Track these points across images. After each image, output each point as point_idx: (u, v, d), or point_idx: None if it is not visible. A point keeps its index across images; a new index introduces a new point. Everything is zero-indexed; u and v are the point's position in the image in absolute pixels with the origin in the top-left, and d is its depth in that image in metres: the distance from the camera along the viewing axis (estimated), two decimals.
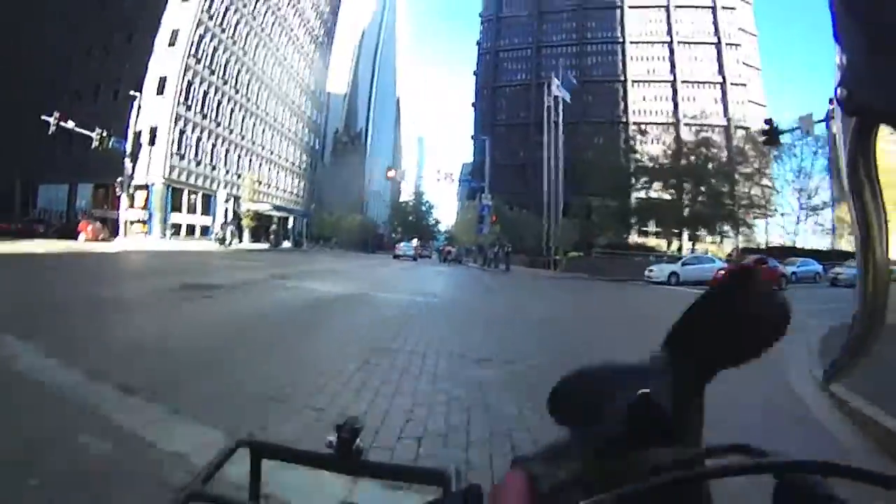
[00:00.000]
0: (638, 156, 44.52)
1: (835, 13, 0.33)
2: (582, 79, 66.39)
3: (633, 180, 43.04)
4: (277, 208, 47.18)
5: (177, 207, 37.63)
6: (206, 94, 40.02)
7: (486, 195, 36.30)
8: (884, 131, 0.36)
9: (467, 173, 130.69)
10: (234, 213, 41.00)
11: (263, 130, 48.98)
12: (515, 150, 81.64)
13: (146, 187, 35.71)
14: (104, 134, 26.13)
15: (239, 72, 44.07)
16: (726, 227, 40.57)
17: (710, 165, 38.70)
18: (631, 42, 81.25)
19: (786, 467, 0.37)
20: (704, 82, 75.46)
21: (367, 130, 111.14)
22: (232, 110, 43.34)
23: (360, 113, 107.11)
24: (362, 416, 0.97)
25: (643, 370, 0.50)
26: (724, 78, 74.04)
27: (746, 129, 42.34)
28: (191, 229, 37.99)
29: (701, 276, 20.98)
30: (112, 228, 30.94)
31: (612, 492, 0.38)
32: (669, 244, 45.78)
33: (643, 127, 51.21)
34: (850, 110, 0.35)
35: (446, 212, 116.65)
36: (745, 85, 74.18)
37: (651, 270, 24.88)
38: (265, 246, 42.41)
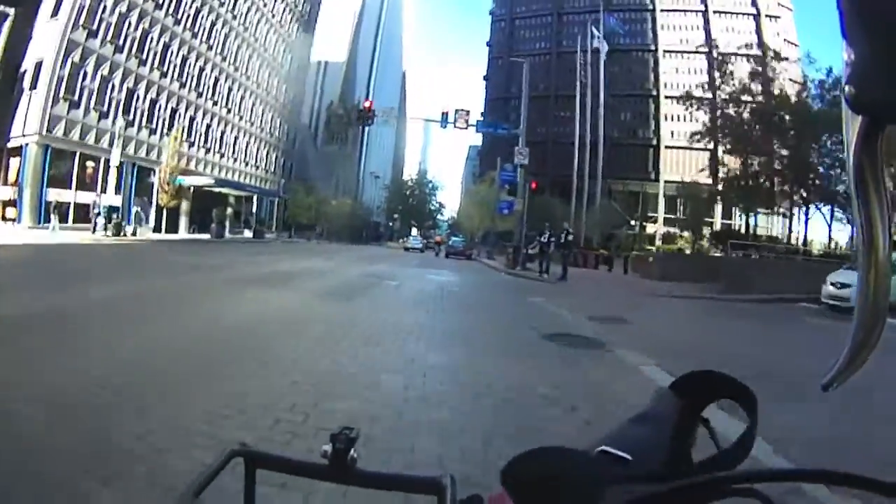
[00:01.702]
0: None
1: (841, 8, 0.32)
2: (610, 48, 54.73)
3: None
4: (223, 183, 34.83)
5: (63, 180, 25.54)
6: (125, 18, 27.78)
7: (522, 148, 22.91)
8: (892, 130, 0.36)
9: (475, 155, 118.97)
10: (152, 187, 28.72)
11: (217, 79, 36.60)
12: (532, 126, 69.32)
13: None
14: None
15: None
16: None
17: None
18: (662, 10, 68.75)
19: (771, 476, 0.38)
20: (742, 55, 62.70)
21: (368, 96, 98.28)
22: (167, 46, 31.02)
23: (358, 84, 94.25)
24: None
25: (645, 415, 0.54)
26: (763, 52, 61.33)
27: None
28: (83, 212, 25.61)
29: None
30: None
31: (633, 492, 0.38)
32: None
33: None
34: (857, 108, 0.34)
35: (448, 199, 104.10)
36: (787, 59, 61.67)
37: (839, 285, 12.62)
38: (205, 236, 30.41)
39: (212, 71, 35.59)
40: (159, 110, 30.53)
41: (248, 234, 38.79)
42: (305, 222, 52.52)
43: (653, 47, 68.37)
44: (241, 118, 40.35)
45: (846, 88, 0.33)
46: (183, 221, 32.71)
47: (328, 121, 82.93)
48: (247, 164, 42.17)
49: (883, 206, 0.37)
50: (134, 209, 25.03)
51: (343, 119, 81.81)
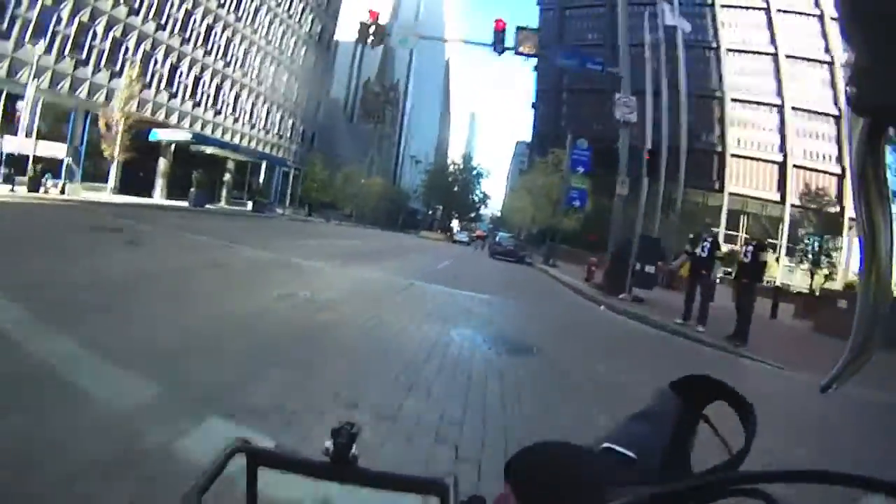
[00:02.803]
0: None
1: (841, 10, 0.31)
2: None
3: None
4: (203, 140, 29.33)
5: None
6: None
7: (627, 97, 14.57)
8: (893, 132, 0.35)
9: (523, 150, 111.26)
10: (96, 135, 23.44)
11: (212, 27, 31.48)
12: (587, 122, 61.22)
13: None
14: None
15: None
16: None
17: None
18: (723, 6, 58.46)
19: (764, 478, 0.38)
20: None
21: (407, 81, 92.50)
22: None
23: (398, 64, 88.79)
24: None
25: (647, 414, 0.53)
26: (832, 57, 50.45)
27: None
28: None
29: None
30: None
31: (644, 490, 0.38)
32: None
33: None
34: (859, 110, 0.34)
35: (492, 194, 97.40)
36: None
37: None
38: (184, 203, 25.23)
39: (203, 17, 30.50)
40: (125, 52, 25.53)
41: (250, 206, 33.69)
42: (328, 200, 47.20)
43: (714, 44, 58.05)
44: (244, 74, 35.22)
45: (847, 90, 0.33)
46: (160, 184, 27.75)
47: (364, 98, 77.89)
48: (252, 127, 37.01)
49: (886, 208, 0.36)
50: (65, 161, 19.95)
51: (380, 97, 76.76)
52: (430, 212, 78.53)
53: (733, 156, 52.10)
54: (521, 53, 15.79)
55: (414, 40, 19.49)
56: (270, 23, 37.55)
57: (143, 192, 25.95)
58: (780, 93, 49.96)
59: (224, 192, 34.65)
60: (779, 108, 49.97)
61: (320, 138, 50.96)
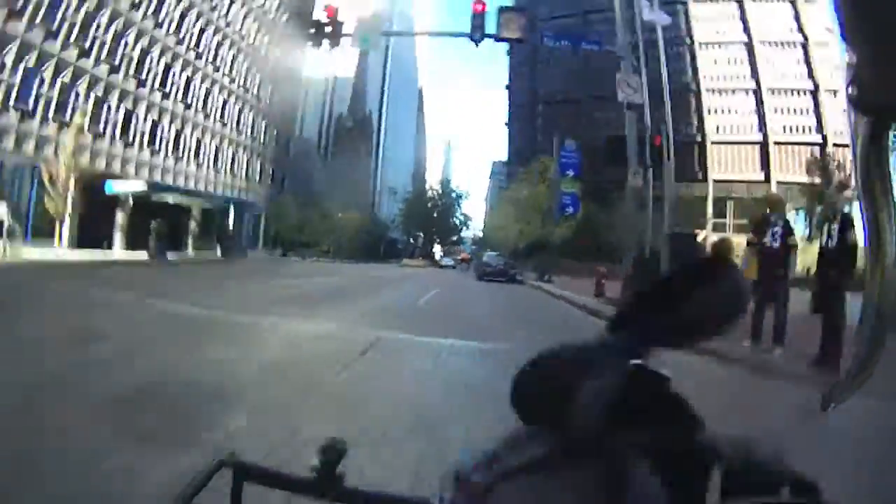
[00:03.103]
0: None
1: (841, 10, 0.31)
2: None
3: None
4: (162, 189, 27.61)
5: None
6: None
7: (629, 76, 13.05)
8: None
9: (500, 169, 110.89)
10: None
11: (170, 66, 30.02)
12: (566, 131, 60.53)
13: None
14: None
15: None
16: None
17: None
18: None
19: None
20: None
21: (380, 114, 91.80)
22: (94, 19, 24.55)
23: (370, 98, 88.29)
24: None
25: (592, 350, 0.42)
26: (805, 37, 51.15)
27: None
28: None
29: None
30: None
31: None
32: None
33: None
34: (861, 109, 0.33)
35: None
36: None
37: None
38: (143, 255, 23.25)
39: (161, 56, 29.03)
40: (76, 98, 23.83)
41: (220, 251, 31.78)
42: (304, 239, 45.41)
43: (688, 40, 58.38)
44: (206, 116, 33.68)
45: (849, 89, 0.32)
46: (118, 237, 25.79)
47: (336, 134, 76.93)
48: (217, 172, 35.30)
49: (890, 206, 0.35)
50: (4, 220, 17.99)
51: (353, 131, 75.91)
52: (412, 240, 77.08)
53: (714, 143, 51.89)
54: (504, 39, 13.43)
55: (376, 38, 17.49)
56: (234, 59, 36.30)
57: (103, 245, 24.00)
58: (755, 76, 50.29)
59: (190, 240, 32.77)
60: (755, 91, 50.02)
61: (294, 178, 49.40)
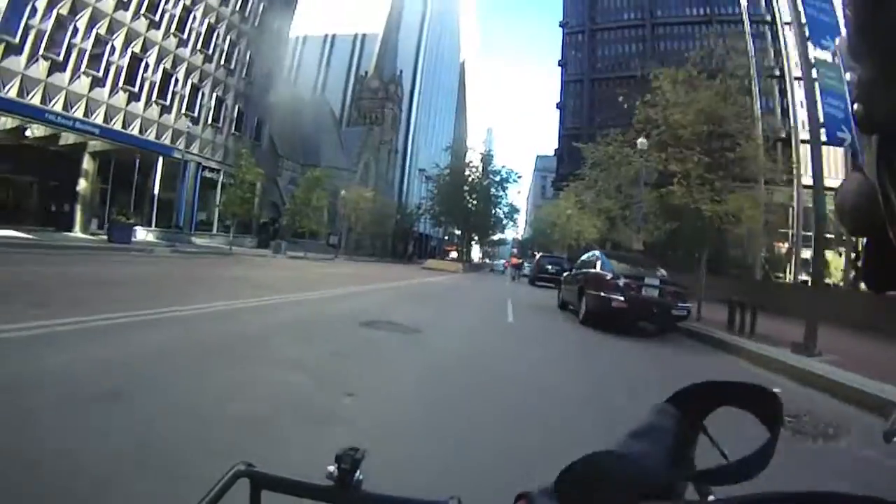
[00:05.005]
0: None
1: (848, 27, 0.31)
2: None
3: None
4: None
5: None
6: None
7: None
8: None
9: (546, 164, 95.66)
10: None
11: None
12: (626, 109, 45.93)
13: None
14: None
15: None
16: None
17: None
18: None
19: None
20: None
21: (415, 76, 76.99)
22: None
23: (403, 60, 73.78)
24: None
25: (646, 429, 0.52)
26: None
27: None
28: None
29: None
30: None
31: None
32: None
33: None
34: (867, 127, 0.33)
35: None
36: None
37: None
38: None
39: None
40: None
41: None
42: (289, 222, 31.52)
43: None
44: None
45: (855, 107, 0.32)
46: None
47: (359, 95, 63.03)
48: (139, 99, 21.77)
49: None
50: None
51: (378, 92, 62.06)
52: (445, 235, 62.76)
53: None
54: None
55: None
56: None
57: None
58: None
59: (79, 212, 19.54)
60: None
61: (305, 147, 35.65)
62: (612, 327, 8.75)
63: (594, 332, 8.64)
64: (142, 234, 21.63)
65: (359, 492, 0.50)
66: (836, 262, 24.82)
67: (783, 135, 27.86)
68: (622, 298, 8.71)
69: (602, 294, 9.04)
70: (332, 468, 0.50)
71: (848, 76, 0.33)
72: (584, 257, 12.00)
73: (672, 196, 12.62)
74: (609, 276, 9.31)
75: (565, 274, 13.49)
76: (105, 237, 17.74)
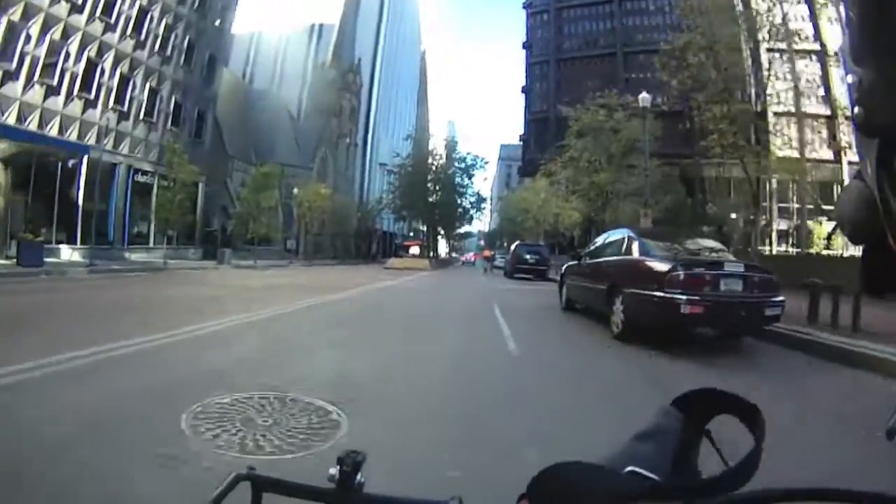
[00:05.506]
0: None
1: (849, 31, 0.31)
2: None
3: None
4: None
5: None
6: None
7: None
8: None
9: (510, 154, 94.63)
10: None
11: None
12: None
13: None
14: None
15: None
16: None
17: None
18: None
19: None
20: None
21: (374, 65, 74.00)
22: None
23: (361, 50, 70.50)
24: None
25: (650, 432, 0.54)
26: None
27: None
28: None
29: None
30: None
31: None
32: None
33: None
34: (868, 131, 0.33)
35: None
36: None
37: None
38: None
39: None
40: None
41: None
42: (239, 229, 28.61)
43: None
44: None
45: (856, 111, 0.32)
46: None
47: (315, 87, 59.62)
48: (58, 93, 18.68)
49: None
50: None
51: (335, 84, 58.89)
52: (410, 231, 60.43)
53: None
54: None
55: None
56: None
57: None
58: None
59: None
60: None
61: (258, 145, 32.49)
62: (654, 339, 5.99)
63: (636, 350, 5.94)
64: (66, 253, 18.63)
65: (360, 494, 0.50)
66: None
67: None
68: (698, 299, 5.67)
69: (659, 295, 5.83)
70: (333, 471, 0.50)
71: (849, 79, 0.32)
72: (600, 240, 9.13)
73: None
74: (665, 265, 6.08)
75: (569, 264, 10.53)
76: (15, 260, 14.84)
